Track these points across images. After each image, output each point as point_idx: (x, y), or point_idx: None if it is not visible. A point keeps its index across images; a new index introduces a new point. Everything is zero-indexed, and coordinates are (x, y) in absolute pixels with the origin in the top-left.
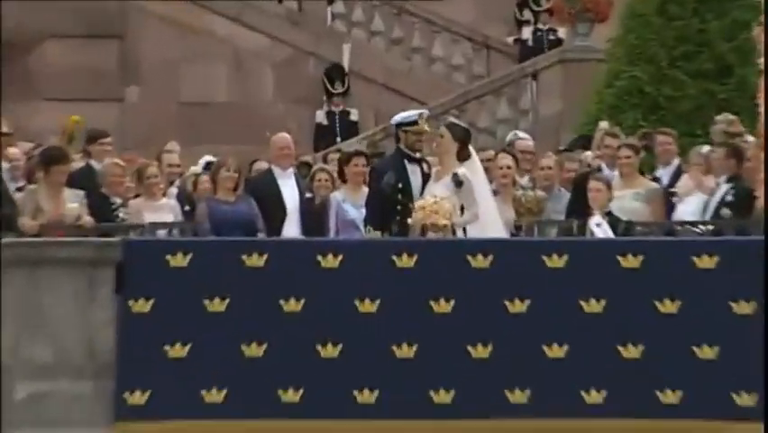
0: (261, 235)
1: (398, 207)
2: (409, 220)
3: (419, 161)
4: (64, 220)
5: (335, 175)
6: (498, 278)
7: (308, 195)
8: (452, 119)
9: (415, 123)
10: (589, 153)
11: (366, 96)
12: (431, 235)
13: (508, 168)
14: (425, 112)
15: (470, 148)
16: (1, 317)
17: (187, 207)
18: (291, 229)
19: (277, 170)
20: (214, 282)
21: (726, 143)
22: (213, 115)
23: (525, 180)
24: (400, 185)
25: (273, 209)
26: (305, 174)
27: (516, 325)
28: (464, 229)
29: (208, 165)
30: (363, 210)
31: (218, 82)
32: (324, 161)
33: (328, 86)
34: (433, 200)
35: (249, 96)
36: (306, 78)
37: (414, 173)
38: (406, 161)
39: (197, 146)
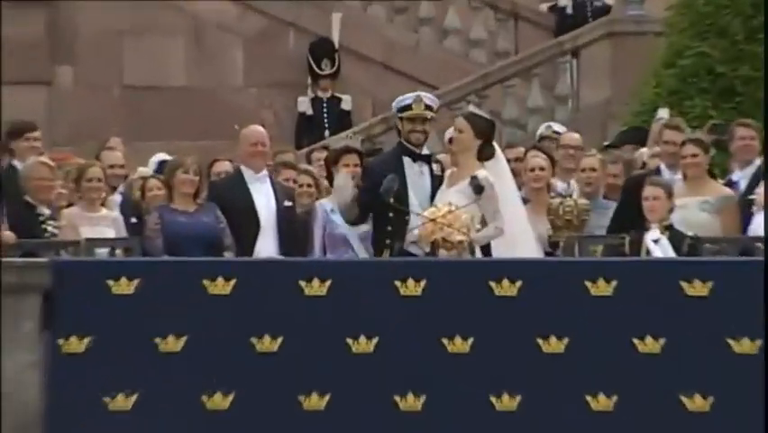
0: (229, 255)
1: (390, 215)
2: (415, 232)
3: (427, 160)
4: None
5: (322, 178)
6: (529, 309)
7: (287, 203)
8: (472, 108)
9: (409, 107)
10: (644, 151)
11: (361, 78)
12: (443, 254)
13: (542, 169)
14: (426, 95)
15: (495, 145)
16: None
17: (133, 220)
18: (266, 247)
19: (248, 173)
20: (168, 315)
21: None
22: (166, 103)
23: (563, 186)
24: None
25: (243, 222)
26: (284, 178)
27: (552, 369)
28: (485, 247)
29: (161, 166)
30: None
31: (173, 61)
32: (308, 160)
33: (313, 66)
34: (446, 209)
35: (212, 78)
36: (284, 57)
37: (419, 175)
38: (407, 159)
39: (146, 142)
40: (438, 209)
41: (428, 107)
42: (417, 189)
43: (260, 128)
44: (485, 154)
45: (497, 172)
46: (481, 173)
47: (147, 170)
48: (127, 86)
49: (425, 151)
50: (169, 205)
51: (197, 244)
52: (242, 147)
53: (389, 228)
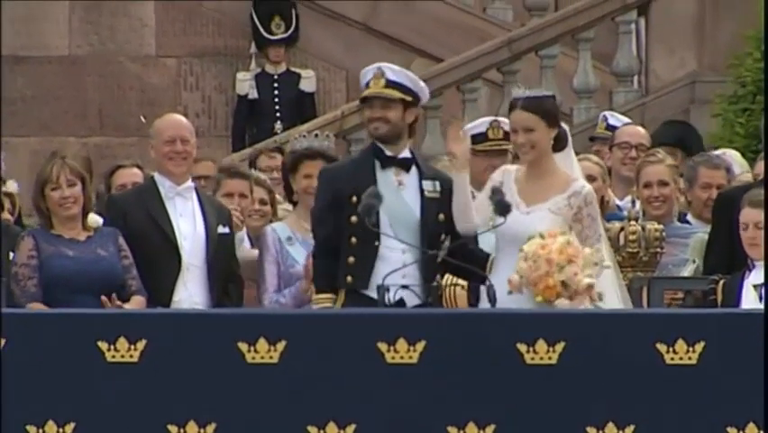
0: (136, 303)
1: (353, 241)
2: (515, 278)
3: (406, 165)
4: None
5: (276, 192)
6: (576, 384)
7: (222, 230)
8: (521, 91)
9: (367, 86)
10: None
11: (330, 45)
12: (564, 305)
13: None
14: (392, 67)
15: (564, 126)
16: None
17: None
18: (191, 293)
19: (165, 185)
20: (46, 394)
21: None
22: (42, 81)
23: (624, 204)
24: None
25: (158, 257)
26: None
27: None
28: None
29: None
30: None
31: (52, 21)
32: (253, 165)
33: (260, 27)
34: (563, 240)
35: (108, 44)
36: (216, 14)
37: (396, 190)
38: (377, 165)
39: (11, 138)
40: (544, 241)
41: (393, 85)
42: (393, 212)
43: (181, 118)
44: (558, 143)
45: (572, 167)
46: (585, 186)
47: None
48: None
49: (405, 152)
50: (49, 231)
51: (90, 290)
52: (155, 146)
53: (352, 260)
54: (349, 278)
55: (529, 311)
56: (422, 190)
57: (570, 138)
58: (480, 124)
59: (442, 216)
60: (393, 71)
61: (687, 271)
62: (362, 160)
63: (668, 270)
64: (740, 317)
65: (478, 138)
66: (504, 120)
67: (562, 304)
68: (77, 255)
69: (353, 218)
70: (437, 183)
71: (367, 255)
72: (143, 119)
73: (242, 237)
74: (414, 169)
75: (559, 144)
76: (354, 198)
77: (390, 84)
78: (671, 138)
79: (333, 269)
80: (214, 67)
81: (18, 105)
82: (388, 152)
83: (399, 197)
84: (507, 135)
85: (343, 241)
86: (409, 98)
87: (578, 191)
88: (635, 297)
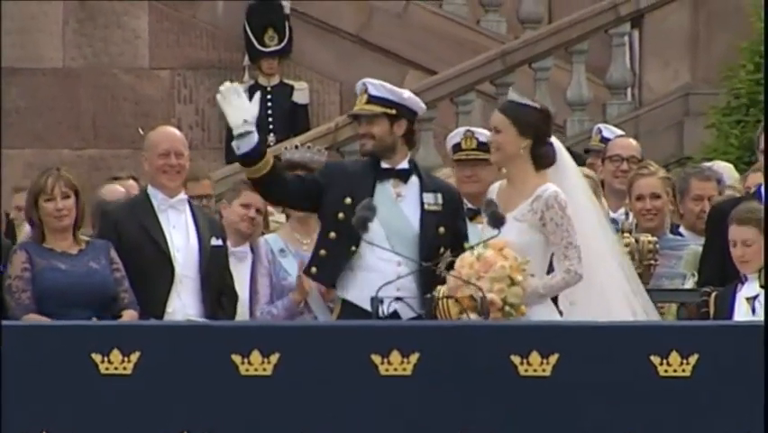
0: (129, 316)
1: (331, 236)
2: (440, 290)
3: (404, 177)
4: None
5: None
6: (570, 395)
7: (215, 242)
8: (513, 94)
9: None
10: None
11: (324, 57)
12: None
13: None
14: (374, 82)
15: (555, 143)
16: None
17: None
18: (184, 305)
19: (158, 197)
20: (37, 406)
21: None
22: (35, 93)
23: (618, 216)
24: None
25: (151, 269)
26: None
27: None
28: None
29: None
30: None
31: (46, 33)
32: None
33: (253, 39)
34: (475, 253)
35: (102, 56)
36: (209, 26)
37: (393, 202)
38: (376, 178)
39: (6, 150)
40: (469, 252)
41: (375, 100)
42: (391, 224)
43: (175, 131)
44: (542, 159)
45: (562, 185)
46: (548, 189)
47: None
48: None
49: (403, 164)
50: (41, 244)
51: (82, 303)
52: (148, 159)
53: (323, 253)
54: (314, 269)
55: (523, 323)
56: (422, 203)
57: (558, 155)
58: (455, 135)
59: (442, 230)
60: (374, 86)
61: (689, 285)
62: (364, 168)
63: (661, 282)
64: (734, 330)
65: (454, 148)
66: (478, 131)
67: (474, 317)
68: (70, 269)
69: (341, 215)
70: (439, 196)
71: (339, 254)
72: (141, 131)
73: (245, 252)
74: (414, 180)
75: (541, 162)
76: (348, 200)
77: (372, 99)
78: None
79: (279, 178)
80: (207, 79)
81: (12, 117)
82: (385, 165)
83: (397, 209)
84: (480, 146)
85: (322, 232)
86: (393, 111)
87: (539, 195)
88: None
